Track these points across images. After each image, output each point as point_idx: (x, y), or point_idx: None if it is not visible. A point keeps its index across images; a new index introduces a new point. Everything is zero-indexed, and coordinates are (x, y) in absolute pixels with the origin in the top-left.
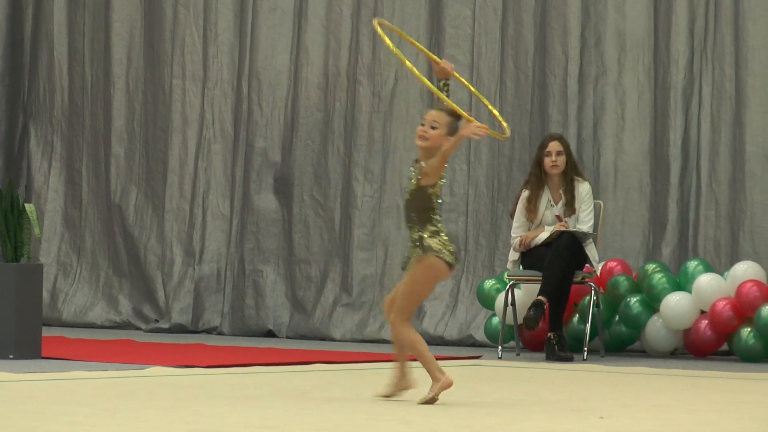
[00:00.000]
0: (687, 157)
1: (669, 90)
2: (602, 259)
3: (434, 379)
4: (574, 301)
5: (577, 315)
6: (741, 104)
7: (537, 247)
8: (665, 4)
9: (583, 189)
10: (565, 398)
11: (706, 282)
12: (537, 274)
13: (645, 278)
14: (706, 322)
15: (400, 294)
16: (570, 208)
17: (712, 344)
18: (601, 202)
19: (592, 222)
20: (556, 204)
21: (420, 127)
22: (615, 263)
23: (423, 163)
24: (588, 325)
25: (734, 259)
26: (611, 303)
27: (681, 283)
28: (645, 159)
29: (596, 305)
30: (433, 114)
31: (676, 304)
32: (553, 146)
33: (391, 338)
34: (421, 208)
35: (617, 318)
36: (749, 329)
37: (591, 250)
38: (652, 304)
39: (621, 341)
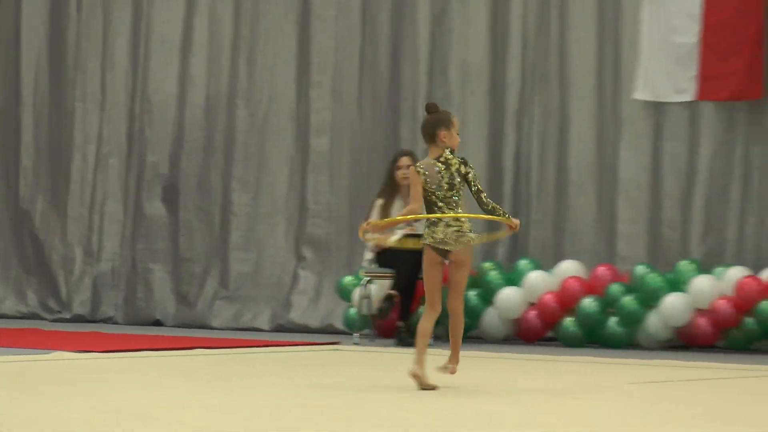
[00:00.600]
0: (519, 169)
1: (504, 111)
2: None
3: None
4: (420, 295)
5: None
6: (565, 123)
7: (389, 248)
8: (501, 37)
9: None
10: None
11: (535, 278)
12: (389, 271)
13: (483, 275)
14: (535, 312)
15: (465, 271)
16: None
17: (539, 331)
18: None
19: None
20: None
21: (458, 138)
22: None
23: (458, 157)
24: None
25: (558, 257)
26: None
27: (513, 278)
28: (483, 170)
29: None
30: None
31: (508, 297)
32: (404, 161)
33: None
34: (462, 199)
35: None
36: (572, 319)
37: None
38: (488, 298)
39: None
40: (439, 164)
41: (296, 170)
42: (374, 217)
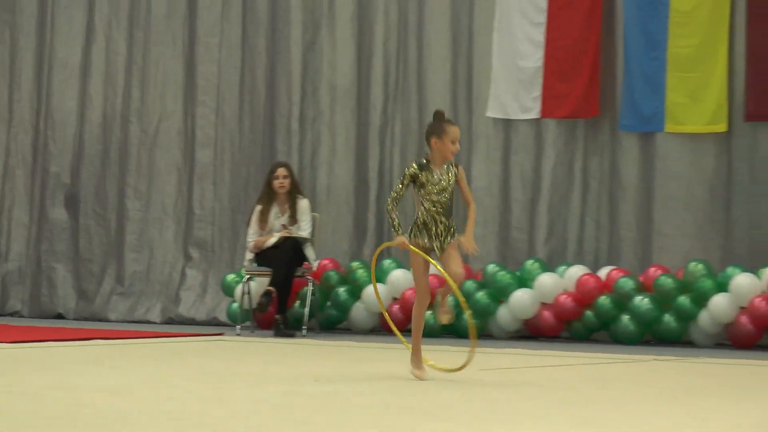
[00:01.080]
0: (383, 180)
1: (369, 128)
2: (318, 258)
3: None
4: (296, 291)
5: (299, 301)
6: (423, 139)
7: (267, 249)
8: (365, 61)
9: (303, 204)
10: (289, 366)
11: (398, 275)
12: (267, 270)
13: (351, 273)
14: (398, 306)
15: (458, 259)
16: (293, 218)
17: (402, 323)
18: (317, 215)
19: (310, 229)
20: (282, 215)
21: (454, 146)
22: (328, 261)
23: (454, 168)
24: (307, 309)
25: None
26: (324, 292)
27: (378, 276)
28: (350, 181)
29: (313, 294)
30: (457, 132)
31: (372, 293)
32: (281, 171)
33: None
34: (453, 204)
35: (329, 303)
36: (430, 312)
37: (309, 251)
38: (356, 293)
39: (331, 321)
40: (437, 169)
41: (183, 179)
42: (254, 220)
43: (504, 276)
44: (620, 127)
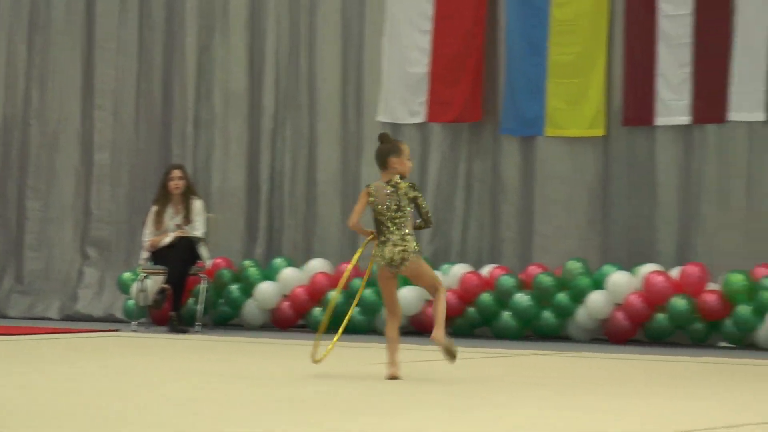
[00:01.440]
0: (273, 182)
1: (261, 132)
2: (211, 257)
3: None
4: (190, 288)
5: (192, 298)
6: (313, 143)
7: (163, 248)
8: (257, 67)
9: (197, 205)
10: (184, 359)
11: (288, 273)
12: (163, 268)
13: (243, 271)
14: (288, 303)
15: (428, 276)
16: (187, 219)
17: (292, 320)
18: (211, 215)
19: (203, 229)
20: (178, 216)
21: (410, 163)
22: (221, 260)
23: (406, 182)
24: (200, 306)
25: (308, 256)
26: (217, 289)
27: (269, 274)
28: (243, 183)
29: (206, 291)
30: (408, 149)
31: (265, 290)
32: (176, 173)
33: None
34: (408, 219)
35: (222, 300)
36: (319, 308)
37: (203, 250)
38: (248, 291)
39: (224, 318)
40: (389, 187)
41: (81, 181)
42: (150, 220)
43: None
44: (502, 130)
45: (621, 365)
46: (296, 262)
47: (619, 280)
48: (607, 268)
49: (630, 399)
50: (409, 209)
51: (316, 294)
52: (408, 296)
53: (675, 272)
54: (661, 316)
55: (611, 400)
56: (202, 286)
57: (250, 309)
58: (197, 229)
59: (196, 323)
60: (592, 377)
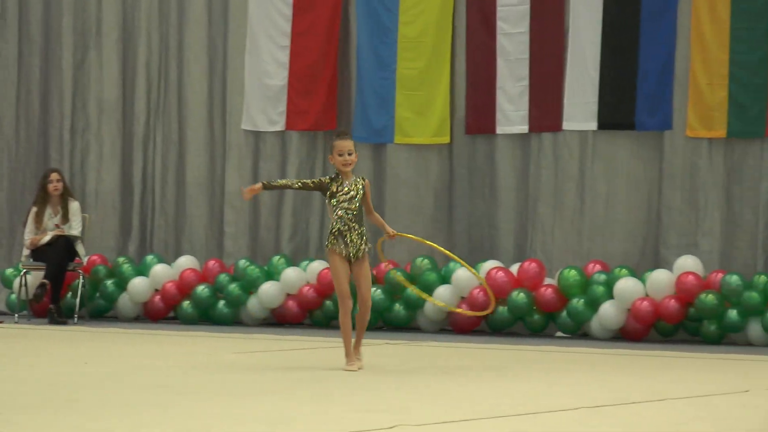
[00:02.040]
0: (145, 184)
1: (133, 138)
2: (88, 254)
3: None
4: (68, 283)
5: (70, 293)
6: (182, 148)
7: (42, 246)
8: (130, 79)
9: (74, 206)
10: (63, 349)
11: (159, 269)
12: (42, 265)
13: (117, 267)
14: (159, 297)
15: (369, 281)
16: (65, 219)
17: (162, 312)
18: (87, 215)
19: (80, 229)
20: (56, 216)
21: (343, 158)
22: (96, 257)
23: (361, 180)
24: (78, 300)
25: (178, 254)
26: (93, 284)
27: (143, 270)
28: (116, 186)
29: (83, 286)
30: (347, 144)
31: (138, 284)
32: (54, 176)
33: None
34: (362, 213)
35: (97, 294)
36: (189, 302)
37: (80, 248)
38: (122, 285)
39: (100, 311)
40: (346, 181)
41: None
42: (30, 220)
43: (253, 270)
44: (354, 137)
45: (465, 353)
46: (166, 258)
47: (463, 275)
48: (452, 264)
49: (470, 384)
50: (360, 200)
51: (184, 288)
52: (270, 290)
53: (514, 268)
54: (502, 309)
55: (462, 384)
56: (79, 281)
57: (124, 302)
58: (74, 229)
59: (74, 315)
60: (439, 364)
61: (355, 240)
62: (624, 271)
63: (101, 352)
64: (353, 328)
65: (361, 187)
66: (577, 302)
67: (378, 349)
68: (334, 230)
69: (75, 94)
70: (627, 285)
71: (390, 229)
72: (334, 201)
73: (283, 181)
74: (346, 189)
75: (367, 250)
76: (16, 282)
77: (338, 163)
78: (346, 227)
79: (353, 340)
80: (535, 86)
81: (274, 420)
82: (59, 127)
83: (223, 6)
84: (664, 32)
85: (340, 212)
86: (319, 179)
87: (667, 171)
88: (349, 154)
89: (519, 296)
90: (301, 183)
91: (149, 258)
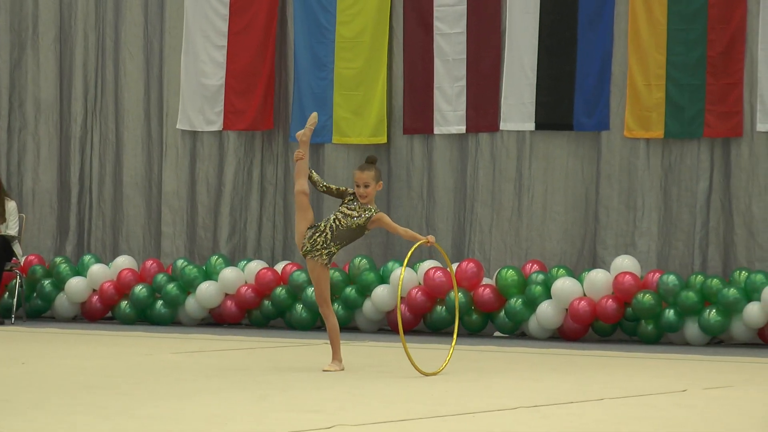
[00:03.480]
0: (83, 184)
1: (70, 138)
2: (25, 254)
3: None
4: (5, 284)
5: (7, 293)
6: (120, 148)
7: None
8: (67, 79)
9: (10, 205)
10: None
11: (96, 269)
12: None
13: (54, 267)
14: (96, 297)
15: (317, 288)
16: (2, 218)
17: (101, 312)
18: (24, 215)
19: (17, 228)
20: None
21: (359, 190)
22: (33, 257)
23: (372, 212)
24: (15, 300)
25: (115, 253)
26: (31, 284)
27: (79, 270)
28: (54, 185)
29: (20, 286)
30: (363, 177)
31: (75, 284)
32: None
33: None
34: (353, 237)
35: (35, 295)
36: (126, 302)
37: (17, 248)
38: (59, 286)
39: (37, 311)
40: (358, 204)
41: None
42: None
43: (191, 270)
44: (291, 138)
45: (402, 353)
46: (104, 258)
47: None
48: (390, 264)
49: (407, 384)
50: (355, 228)
51: (122, 288)
52: (209, 289)
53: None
54: (440, 308)
55: (399, 384)
56: (16, 282)
57: (62, 302)
58: (11, 228)
59: (12, 316)
60: (376, 365)
61: (317, 242)
62: (562, 271)
63: (38, 353)
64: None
65: (366, 217)
66: (515, 302)
67: (316, 348)
68: (318, 222)
69: (12, 93)
70: (565, 285)
71: (421, 238)
72: (340, 207)
73: (315, 176)
74: (354, 207)
75: (318, 259)
76: None
77: (358, 194)
78: (325, 229)
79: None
80: (472, 87)
81: (211, 420)
82: None
83: (160, 6)
84: (601, 33)
85: (332, 216)
86: (344, 189)
87: (605, 171)
88: (366, 187)
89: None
90: (326, 186)
91: (87, 258)
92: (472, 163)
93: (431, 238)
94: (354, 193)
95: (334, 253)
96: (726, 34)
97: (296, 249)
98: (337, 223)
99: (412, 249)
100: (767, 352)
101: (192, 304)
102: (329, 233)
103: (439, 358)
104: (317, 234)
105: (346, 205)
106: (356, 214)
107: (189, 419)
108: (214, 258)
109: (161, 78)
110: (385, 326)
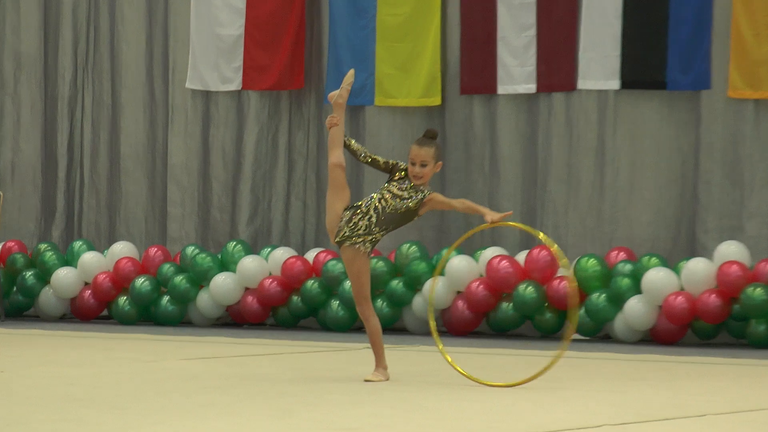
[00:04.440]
0: (72, 156)
1: (57, 100)
2: (3, 240)
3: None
4: None
5: None
6: (117, 112)
7: None
8: (53, 28)
9: None
10: None
11: (89, 259)
12: None
13: (38, 255)
14: (90, 291)
15: (354, 284)
16: None
17: (95, 310)
18: (1, 193)
19: None
20: None
21: (414, 169)
22: (13, 244)
23: (425, 193)
24: None
25: (112, 239)
26: (10, 277)
27: (69, 259)
28: (37, 157)
29: None
30: (420, 154)
31: (64, 277)
32: None
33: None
34: (401, 222)
35: (15, 289)
36: (125, 297)
37: None
38: (44, 277)
39: (18, 308)
40: (410, 183)
41: None
42: None
43: (204, 259)
44: (325, 99)
45: (461, 359)
46: (98, 245)
47: (458, 265)
48: (446, 252)
49: (463, 396)
50: (404, 211)
51: (120, 281)
52: (225, 282)
53: (521, 257)
54: (506, 306)
55: (453, 397)
56: None
57: (47, 298)
58: None
59: None
60: (426, 372)
61: (358, 227)
62: (654, 260)
63: (18, 359)
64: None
65: (419, 199)
66: (598, 298)
67: (354, 354)
68: (357, 203)
69: None
70: (657, 277)
71: (488, 214)
72: (386, 184)
73: (355, 144)
74: (406, 187)
75: (360, 247)
76: None
77: (411, 174)
78: (366, 210)
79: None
80: (543, 37)
81: None
82: None
83: None
84: None
85: (376, 196)
86: (395, 162)
87: (705, 139)
88: (423, 166)
89: (527, 291)
90: (371, 157)
91: (77, 245)
92: (543, 130)
93: (501, 215)
94: (406, 169)
95: (378, 240)
96: None
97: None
98: (384, 203)
99: (475, 230)
100: None
101: (205, 301)
102: (374, 216)
103: (506, 365)
104: (358, 217)
105: (396, 183)
106: (407, 195)
107: None
108: (231, 245)
109: (166, 26)
110: (440, 327)
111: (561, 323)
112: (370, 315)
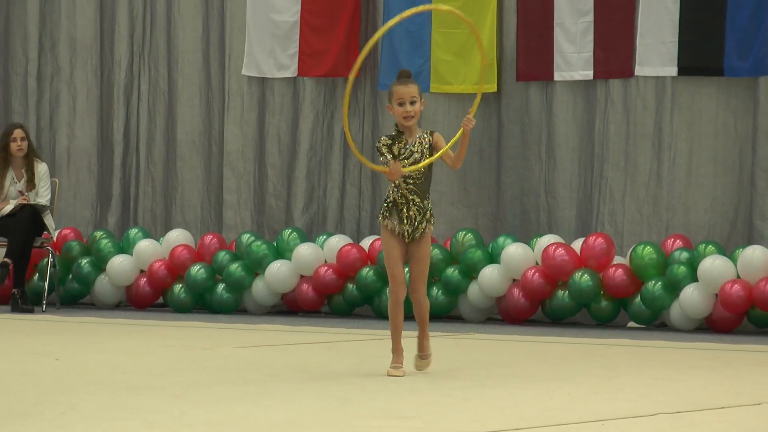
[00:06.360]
0: (128, 143)
1: (113, 86)
2: (59, 227)
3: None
4: (34, 263)
5: (38, 274)
6: (173, 99)
7: (3, 217)
8: (109, 15)
9: (41, 169)
10: (28, 343)
11: (145, 246)
12: (3, 240)
13: (94, 243)
14: (145, 279)
15: (425, 265)
16: (31, 184)
17: (150, 298)
18: (57, 180)
19: (49, 196)
20: (19, 181)
21: (403, 108)
22: (69, 231)
23: (428, 136)
24: (47, 283)
25: (168, 227)
26: (66, 264)
27: (125, 247)
28: (93, 144)
29: (53, 266)
30: (408, 90)
31: (120, 264)
32: (18, 133)
33: (416, 311)
34: (429, 179)
35: (70, 276)
36: (181, 285)
37: (48, 220)
38: (100, 265)
39: (74, 296)
40: (410, 139)
41: None
42: None
43: (260, 247)
44: (380, 86)
45: (517, 347)
46: (154, 233)
47: (514, 253)
48: (502, 239)
49: (519, 386)
50: (427, 167)
51: (176, 269)
52: (280, 270)
53: (577, 245)
54: (562, 294)
55: (509, 387)
56: (49, 260)
57: (103, 286)
58: (42, 196)
59: (42, 302)
60: (482, 362)
61: (412, 216)
62: (710, 247)
63: (74, 347)
64: (406, 320)
65: (427, 145)
66: (654, 286)
67: (409, 343)
68: (388, 200)
69: (42, 33)
70: (714, 265)
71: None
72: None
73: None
74: (410, 150)
75: (428, 229)
76: None
77: (398, 115)
78: (403, 199)
79: (417, 335)
80: (601, 23)
81: (282, 429)
82: (23, 73)
83: None
84: None
85: (393, 183)
86: (385, 146)
87: (763, 126)
88: (412, 103)
89: (583, 278)
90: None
91: (133, 232)
92: (600, 116)
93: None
94: (396, 133)
95: (430, 210)
96: None
97: None
98: (405, 181)
99: (458, 137)
100: None
101: (260, 288)
102: (412, 195)
103: (558, 353)
104: (403, 212)
105: (398, 157)
106: (415, 149)
107: (254, 428)
108: (286, 232)
109: (223, 13)
110: (495, 315)
111: (617, 311)
112: (424, 298)
